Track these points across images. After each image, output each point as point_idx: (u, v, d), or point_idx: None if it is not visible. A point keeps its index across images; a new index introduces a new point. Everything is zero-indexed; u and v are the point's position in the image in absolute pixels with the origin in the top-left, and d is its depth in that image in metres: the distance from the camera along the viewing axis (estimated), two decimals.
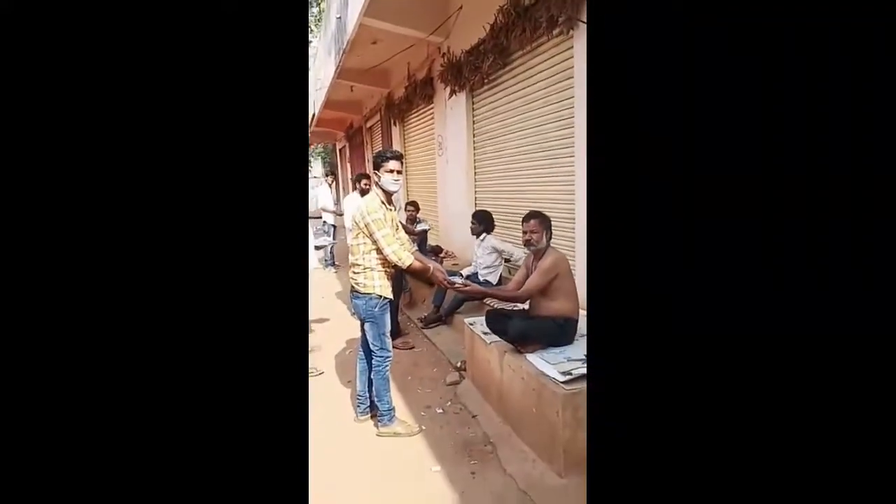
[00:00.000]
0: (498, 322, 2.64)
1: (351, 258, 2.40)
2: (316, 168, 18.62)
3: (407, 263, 2.31)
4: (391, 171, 2.31)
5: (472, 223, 3.99)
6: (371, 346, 2.43)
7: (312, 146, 19.09)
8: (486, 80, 4.29)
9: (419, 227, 5.06)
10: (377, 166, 2.33)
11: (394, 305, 3.78)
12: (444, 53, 5.00)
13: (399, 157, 2.35)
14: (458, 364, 3.22)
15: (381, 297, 2.37)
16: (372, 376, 2.50)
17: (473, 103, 4.80)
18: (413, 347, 3.89)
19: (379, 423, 2.51)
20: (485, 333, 2.70)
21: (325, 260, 7.47)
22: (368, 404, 2.61)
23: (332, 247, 7.35)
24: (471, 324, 2.90)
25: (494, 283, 3.97)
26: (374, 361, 2.47)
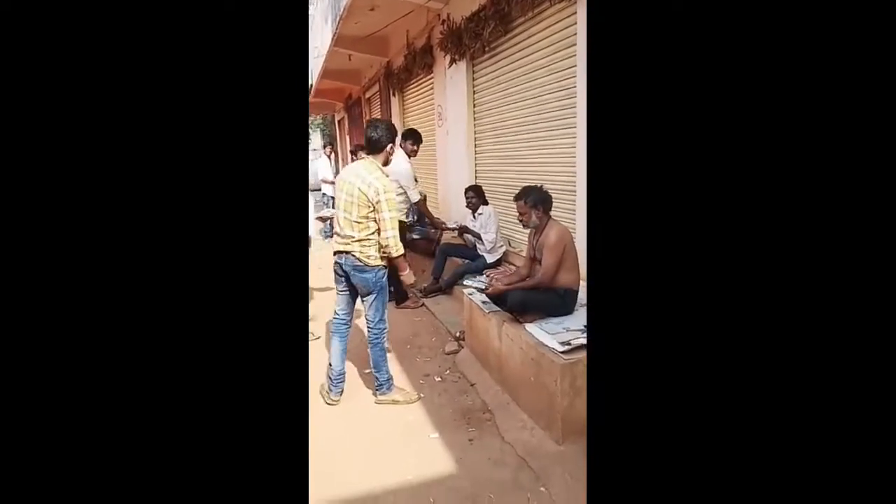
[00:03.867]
0: (496, 297, 2.65)
1: (351, 232, 2.30)
2: (315, 140, 18.41)
3: (400, 253, 2.33)
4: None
5: (469, 196, 3.98)
6: (373, 318, 2.41)
7: (312, 117, 18.81)
8: (486, 49, 4.19)
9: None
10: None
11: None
12: (443, 20, 4.87)
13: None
14: (458, 333, 3.25)
15: (385, 267, 2.38)
16: (369, 350, 2.49)
17: (474, 73, 4.70)
18: (423, 305, 3.97)
19: (378, 392, 2.53)
20: (483, 303, 2.72)
21: (325, 231, 7.45)
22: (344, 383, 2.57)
23: (332, 219, 7.32)
24: (470, 294, 2.91)
25: (492, 262, 3.98)
26: (372, 334, 2.46)
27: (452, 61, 4.83)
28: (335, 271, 2.42)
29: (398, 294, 4.01)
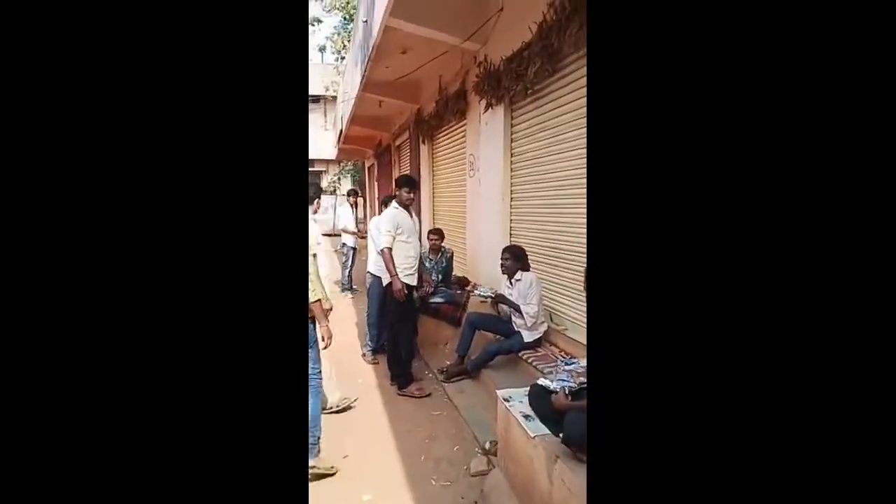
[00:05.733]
0: (546, 406, 1.93)
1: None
2: (345, 186, 18.47)
3: (314, 299, 2.28)
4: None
5: (505, 259, 3.30)
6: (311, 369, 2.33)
7: (343, 164, 18.91)
8: (528, 91, 3.64)
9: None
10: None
11: (407, 343, 3.19)
12: (479, 62, 4.40)
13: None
14: (487, 445, 2.50)
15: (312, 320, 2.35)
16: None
17: (512, 118, 4.16)
18: (429, 395, 3.26)
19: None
20: (526, 417, 1.99)
21: (343, 283, 6.90)
22: None
23: (350, 270, 6.81)
24: (506, 399, 2.19)
25: (530, 341, 3.26)
26: (311, 384, 2.32)
27: (488, 106, 4.31)
28: None
29: (400, 376, 3.33)
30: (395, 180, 3.63)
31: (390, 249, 3.28)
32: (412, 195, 3.45)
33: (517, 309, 3.23)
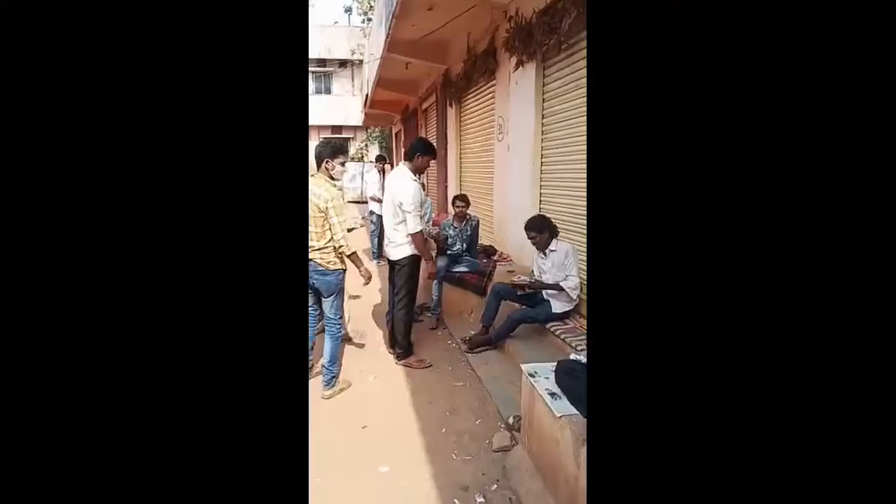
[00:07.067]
0: (575, 382, 1.81)
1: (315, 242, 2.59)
2: (372, 153, 18.32)
3: (350, 252, 2.65)
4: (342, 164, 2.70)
5: (533, 237, 3.09)
6: (333, 315, 2.72)
7: (370, 129, 18.70)
8: (562, 45, 3.38)
9: (444, 230, 4.25)
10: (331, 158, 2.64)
11: (409, 309, 3.08)
12: (510, 17, 4.11)
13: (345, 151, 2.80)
14: (510, 420, 2.40)
15: (344, 270, 2.73)
16: (327, 344, 2.73)
17: (544, 76, 3.90)
18: (430, 365, 3.16)
19: (326, 386, 2.75)
20: (552, 395, 1.87)
21: (373, 251, 6.83)
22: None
23: (379, 238, 6.71)
24: (531, 374, 2.07)
25: (559, 312, 3.10)
26: (332, 329, 2.74)
27: (519, 64, 4.06)
28: None
29: (400, 346, 3.22)
30: (412, 144, 3.19)
31: (421, 232, 3.02)
32: (426, 160, 3.11)
33: (558, 288, 3.06)
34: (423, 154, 3.08)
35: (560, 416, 1.76)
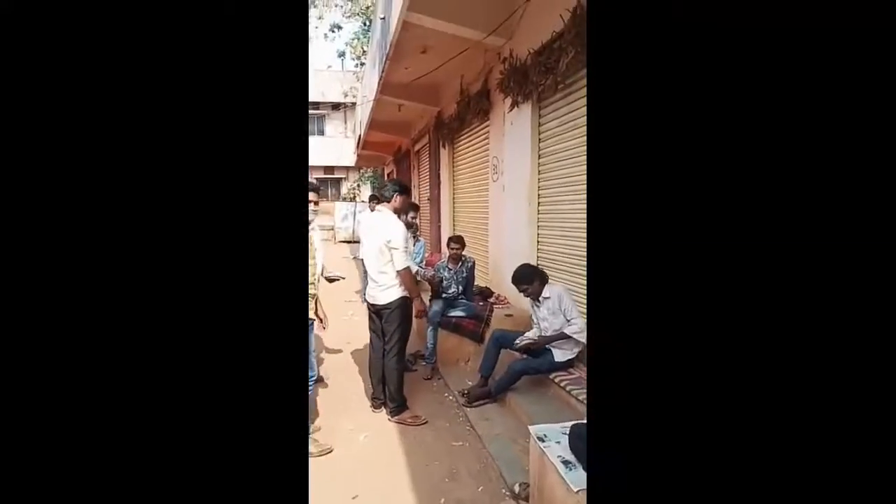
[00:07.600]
0: None
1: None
2: (365, 193, 18.35)
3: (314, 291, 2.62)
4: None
5: (524, 289, 2.97)
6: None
7: (362, 170, 18.82)
8: (559, 85, 3.32)
9: (438, 272, 4.07)
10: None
11: (401, 357, 2.85)
12: (504, 58, 4.10)
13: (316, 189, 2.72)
14: (516, 488, 2.15)
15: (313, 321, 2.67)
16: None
17: (540, 116, 3.84)
18: (426, 422, 2.91)
19: None
20: (566, 464, 1.66)
21: (363, 293, 6.62)
22: None
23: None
24: (540, 438, 1.86)
25: (562, 361, 2.91)
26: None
27: (514, 104, 4.02)
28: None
29: (393, 399, 2.97)
30: (386, 185, 3.17)
31: (409, 269, 2.91)
32: (408, 203, 3.15)
33: (565, 337, 2.87)
34: (401, 194, 3.01)
35: (577, 491, 1.54)
